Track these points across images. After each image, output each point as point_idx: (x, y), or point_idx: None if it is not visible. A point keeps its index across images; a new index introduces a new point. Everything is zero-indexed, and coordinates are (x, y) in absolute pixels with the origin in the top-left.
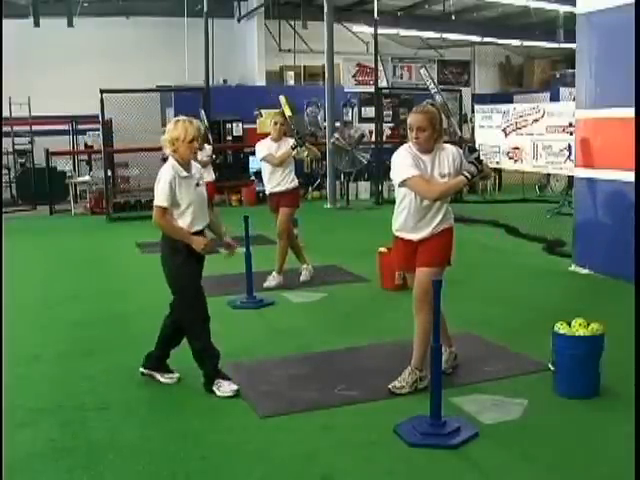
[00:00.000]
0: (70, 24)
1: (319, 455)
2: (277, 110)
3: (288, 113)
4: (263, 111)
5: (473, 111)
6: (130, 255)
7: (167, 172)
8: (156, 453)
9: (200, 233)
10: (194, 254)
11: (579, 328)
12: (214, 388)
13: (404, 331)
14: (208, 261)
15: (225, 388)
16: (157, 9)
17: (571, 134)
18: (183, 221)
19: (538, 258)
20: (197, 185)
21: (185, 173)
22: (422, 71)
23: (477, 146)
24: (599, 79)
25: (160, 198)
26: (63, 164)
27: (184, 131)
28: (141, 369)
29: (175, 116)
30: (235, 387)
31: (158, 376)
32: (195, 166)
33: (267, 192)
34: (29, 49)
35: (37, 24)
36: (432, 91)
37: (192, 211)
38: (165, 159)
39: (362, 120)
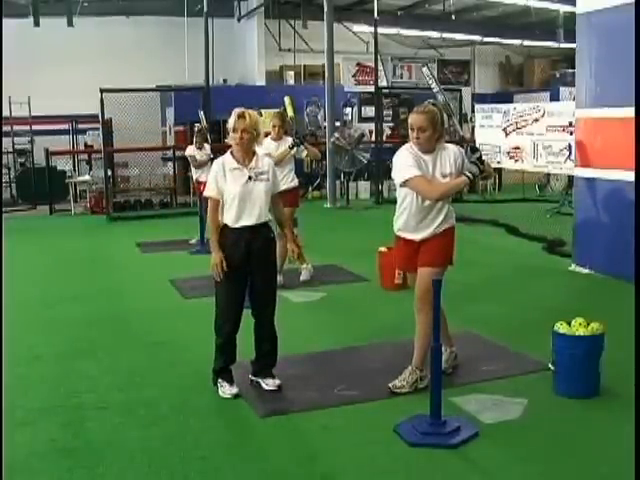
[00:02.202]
0: (70, 23)
1: (319, 455)
2: (276, 110)
3: (290, 114)
4: (263, 111)
5: (473, 111)
6: (130, 255)
7: (215, 164)
8: (155, 453)
9: (248, 229)
10: (234, 257)
11: (579, 328)
12: (217, 386)
13: (404, 331)
14: (209, 260)
15: (226, 389)
16: (157, 8)
17: (571, 134)
18: (229, 214)
19: (538, 258)
20: (250, 179)
21: (235, 165)
22: (424, 70)
23: (478, 146)
24: (599, 79)
25: (207, 189)
26: (63, 164)
27: (230, 120)
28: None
29: (174, 116)
30: (235, 391)
31: (262, 383)
32: (263, 161)
33: None
34: (29, 49)
35: (37, 24)
36: (434, 90)
37: (237, 205)
38: (165, 159)
39: (362, 120)
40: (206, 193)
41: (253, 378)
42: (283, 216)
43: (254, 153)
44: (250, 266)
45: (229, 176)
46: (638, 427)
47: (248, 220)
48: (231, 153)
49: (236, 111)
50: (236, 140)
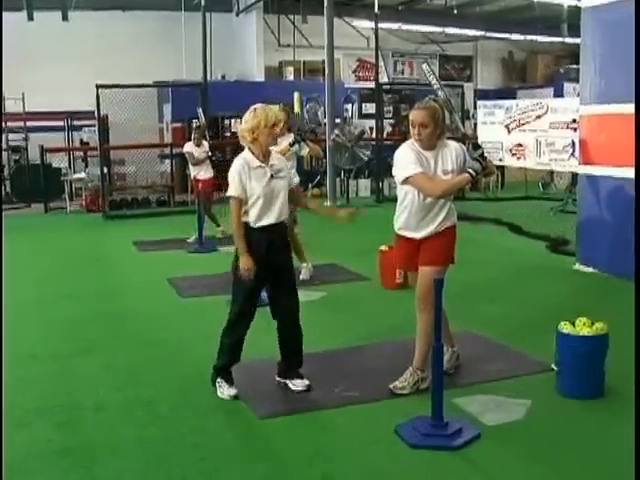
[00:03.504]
0: (65, 18)
1: (319, 456)
2: (279, 106)
3: (297, 110)
4: None
5: (475, 107)
6: (127, 254)
7: (237, 162)
8: (153, 454)
9: (269, 228)
10: (257, 256)
11: (583, 327)
12: (216, 385)
13: (405, 331)
14: (207, 259)
15: (224, 390)
16: (154, 3)
17: (575, 130)
18: (250, 214)
19: (541, 257)
20: (272, 177)
21: (258, 163)
22: (424, 66)
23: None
24: (604, 74)
25: (230, 188)
26: (58, 161)
27: (264, 117)
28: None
29: (172, 113)
30: (233, 392)
31: (289, 384)
32: (276, 157)
33: None
34: (23, 43)
35: (31, 18)
36: (434, 86)
37: (260, 205)
38: (163, 156)
39: (362, 116)
40: (230, 193)
41: (280, 379)
42: (304, 199)
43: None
44: (271, 265)
45: (253, 175)
46: (638, 427)
47: (270, 219)
48: (250, 151)
49: (262, 106)
50: (274, 135)
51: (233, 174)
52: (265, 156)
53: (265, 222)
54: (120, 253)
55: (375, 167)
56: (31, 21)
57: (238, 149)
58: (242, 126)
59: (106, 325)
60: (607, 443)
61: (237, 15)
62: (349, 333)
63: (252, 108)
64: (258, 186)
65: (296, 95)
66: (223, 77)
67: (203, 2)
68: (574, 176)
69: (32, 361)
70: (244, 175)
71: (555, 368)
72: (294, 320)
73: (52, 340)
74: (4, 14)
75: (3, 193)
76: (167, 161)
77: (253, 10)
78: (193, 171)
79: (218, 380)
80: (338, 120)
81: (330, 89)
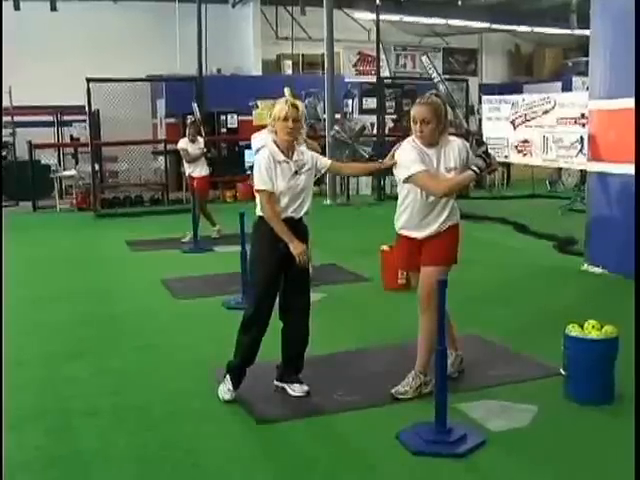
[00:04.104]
0: (53, 8)
1: (318, 463)
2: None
3: None
4: (259, 102)
5: (480, 102)
6: (119, 254)
7: (263, 154)
8: (147, 461)
9: (291, 223)
10: (279, 255)
11: (592, 330)
12: (224, 381)
13: (407, 333)
14: (202, 259)
15: (224, 390)
16: None
17: (584, 126)
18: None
19: (548, 257)
20: (296, 173)
21: (282, 157)
22: (424, 58)
23: (484, 139)
24: (615, 67)
25: (258, 182)
26: (47, 157)
27: (278, 109)
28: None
29: (166, 108)
30: (229, 397)
31: (287, 388)
32: (301, 151)
33: None
34: (9, 34)
35: (17, 7)
36: (435, 80)
37: (287, 201)
38: (156, 153)
39: (363, 112)
40: (260, 187)
41: (278, 384)
42: (343, 168)
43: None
44: (289, 259)
45: (279, 169)
46: (638, 428)
47: (292, 214)
48: (275, 144)
49: (285, 98)
50: (287, 129)
51: (260, 167)
52: (289, 150)
53: (287, 216)
54: (112, 253)
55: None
56: (18, 11)
57: (234, 146)
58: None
59: (98, 328)
60: (617, 451)
61: (233, 7)
62: (349, 336)
63: (277, 101)
64: (282, 182)
65: (287, 91)
66: (219, 71)
67: None
68: (583, 173)
69: (20, 365)
70: (272, 168)
71: (563, 372)
72: (304, 318)
73: (41, 342)
74: None
75: None
76: (161, 158)
77: (250, 1)
78: (188, 168)
79: (226, 377)
80: (338, 116)
81: (330, 83)
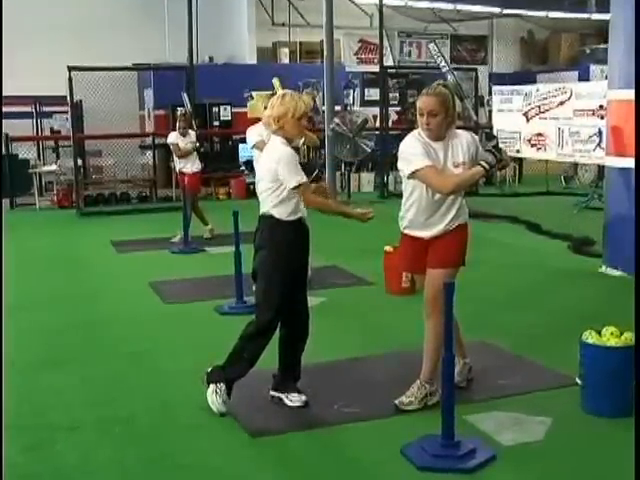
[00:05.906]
0: None
1: (318, 478)
2: (270, 92)
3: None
4: (254, 93)
5: (490, 93)
6: (104, 255)
7: (285, 149)
8: (132, 477)
9: (301, 221)
10: (298, 264)
11: (610, 338)
12: (215, 390)
13: (412, 340)
14: (194, 261)
15: (217, 400)
16: None
17: (602, 118)
18: (287, 208)
19: (563, 258)
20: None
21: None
22: (431, 46)
23: (495, 132)
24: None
25: (293, 178)
26: (25, 151)
27: (293, 106)
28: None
29: (154, 99)
30: (223, 409)
31: (285, 399)
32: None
33: None
34: None
35: None
36: (443, 69)
37: (296, 198)
38: (144, 147)
39: (365, 103)
40: (298, 182)
41: (274, 394)
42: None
43: None
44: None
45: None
46: (638, 429)
47: (303, 212)
48: (285, 138)
49: (291, 93)
50: (302, 128)
51: (289, 162)
52: (294, 148)
53: (298, 215)
54: (96, 254)
55: (379, 159)
56: None
57: (227, 139)
58: (267, 112)
59: (81, 335)
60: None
61: None
62: (351, 343)
63: (281, 93)
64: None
65: (275, 81)
66: (211, 59)
67: None
68: (600, 169)
69: None
70: (297, 163)
71: (579, 382)
72: (306, 318)
73: (19, 350)
74: None
75: None
76: (149, 152)
77: None
78: (178, 164)
79: (219, 385)
80: (338, 107)
81: (329, 73)
